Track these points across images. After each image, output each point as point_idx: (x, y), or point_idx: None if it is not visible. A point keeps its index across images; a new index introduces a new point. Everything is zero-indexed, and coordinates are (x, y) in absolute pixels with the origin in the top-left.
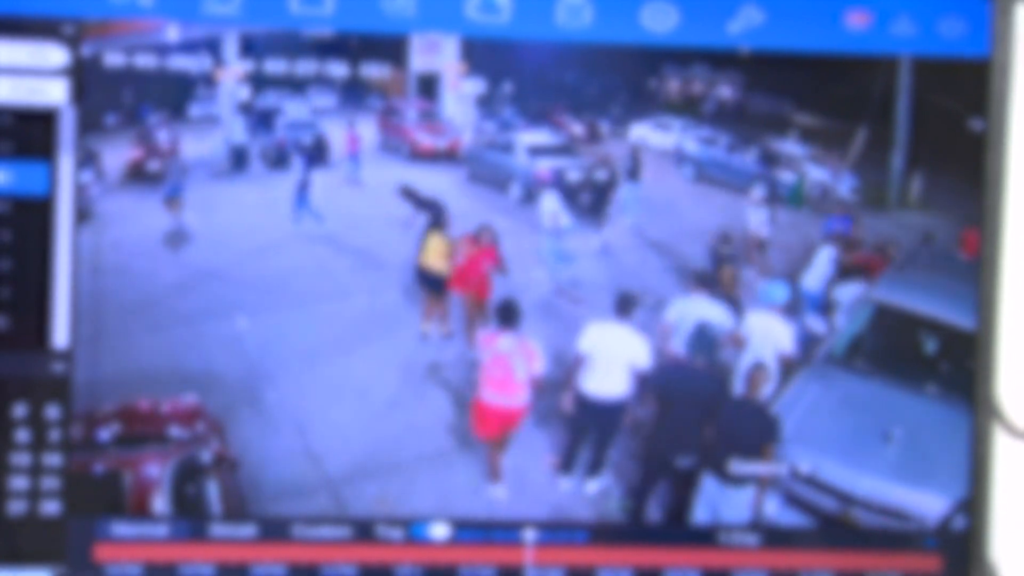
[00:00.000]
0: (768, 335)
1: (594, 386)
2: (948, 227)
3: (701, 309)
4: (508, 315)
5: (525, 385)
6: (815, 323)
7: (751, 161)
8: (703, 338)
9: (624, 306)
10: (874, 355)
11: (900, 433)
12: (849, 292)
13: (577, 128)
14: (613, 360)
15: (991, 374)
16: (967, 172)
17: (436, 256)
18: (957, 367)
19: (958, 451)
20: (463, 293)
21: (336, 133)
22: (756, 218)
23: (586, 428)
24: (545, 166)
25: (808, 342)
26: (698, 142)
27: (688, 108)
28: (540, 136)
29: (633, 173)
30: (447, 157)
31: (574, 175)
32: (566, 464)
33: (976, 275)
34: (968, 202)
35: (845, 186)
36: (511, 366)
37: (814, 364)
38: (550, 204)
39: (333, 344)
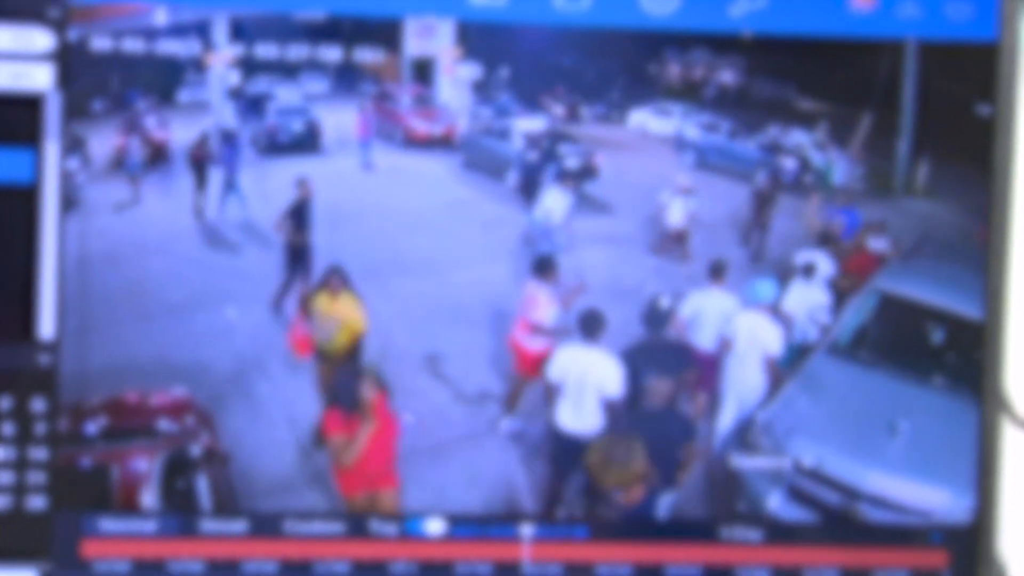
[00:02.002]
0: (755, 337)
1: (567, 419)
2: (955, 215)
3: (718, 303)
4: (538, 266)
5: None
6: (810, 329)
7: (753, 147)
8: (656, 314)
9: (589, 327)
10: (879, 346)
11: (906, 426)
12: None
13: (558, 109)
14: (584, 389)
15: (999, 365)
16: (974, 159)
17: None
18: (965, 358)
19: (965, 444)
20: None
21: (329, 119)
22: (676, 208)
23: (567, 468)
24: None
25: (800, 346)
26: (699, 128)
27: (689, 93)
28: (537, 122)
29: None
30: (442, 144)
31: (572, 162)
32: (548, 511)
33: (984, 264)
34: (976, 189)
35: (846, 173)
36: (526, 310)
37: (818, 355)
38: (553, 201)
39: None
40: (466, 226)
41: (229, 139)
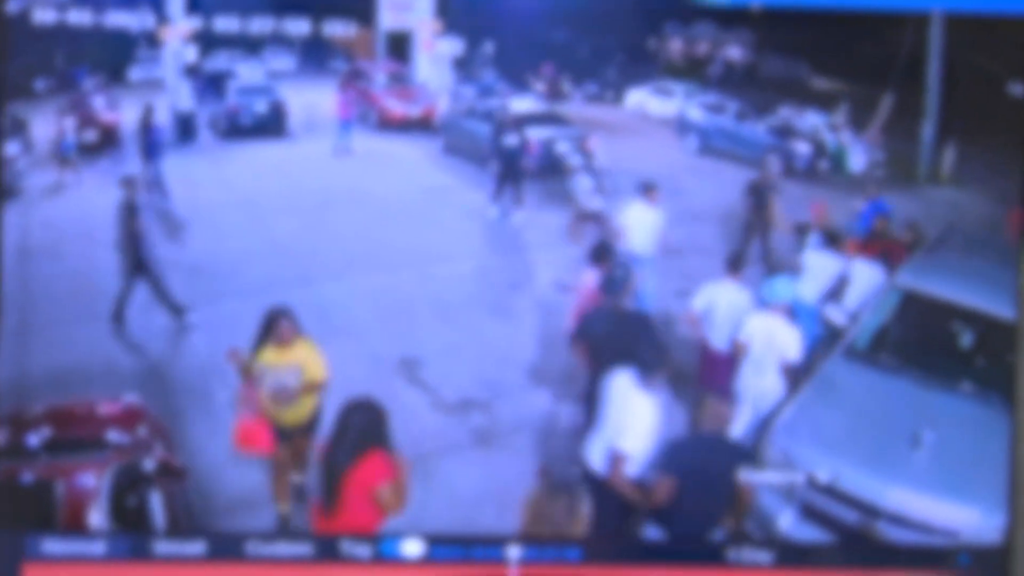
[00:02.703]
0: (771, 342)
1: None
2: (984, 204)
3: (730, 297)
4: (595, 253)
5: None
6: (834, 314)
7: (763, 131)
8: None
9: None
10: (901, 348)
11: (931, 437)
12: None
13: (539, 86)
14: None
15: None
16: (1008, 143)
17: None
18: (995, 362)
19: (996, 457)
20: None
21: (295, 99)
22: (583, 188)
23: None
24: (531, 136)
25: (819, 341)
26: (703, 109)
27: (692, 71)
28: (526, 103)
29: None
30: (420, 126)
31: (563, 147)
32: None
33: (1017, 259)
34: (1008, 176)
35: (864, 159)
36: (585, 301)
37: (833, 359)
38: (636, 218)
39: None
40: (446, 216)
41: (150, 123)
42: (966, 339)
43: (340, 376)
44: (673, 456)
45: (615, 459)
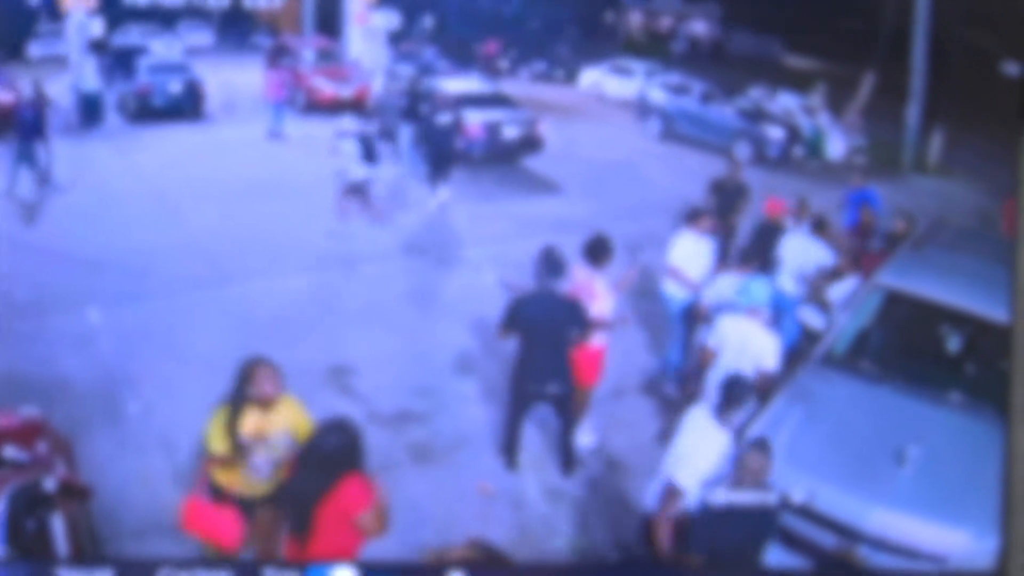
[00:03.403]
0: (746, 347)
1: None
2: (974, 195)
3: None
4: (593, 249)
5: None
6: (811, 316)
7: (731, 114)
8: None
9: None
10: (883, 355)
11: (917, 452)
12: (844, 290)
13: (494, 66)
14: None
15: None
16: (1001, 128)
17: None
18: (987, 369)
19: (989, 474)
20: None
21: (212, 78)
22: (347, 147)
23: None
24: (476, 120)
25: (799, 342)
26: (666, 91)
27: (653, 48)
28: (470, 83)
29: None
30: (352, 108)
31: (511, 131)
32: None
33: (1011, 255)
34: (1002, 165)
35: (843, 145)
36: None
37: (809, 366)
38: (684, 251)
39: (210, 342)
40: (381, 209)
41: (26, 101)
42: (955, 343)
43: None
44: (705, 528)
45: (668, 493)
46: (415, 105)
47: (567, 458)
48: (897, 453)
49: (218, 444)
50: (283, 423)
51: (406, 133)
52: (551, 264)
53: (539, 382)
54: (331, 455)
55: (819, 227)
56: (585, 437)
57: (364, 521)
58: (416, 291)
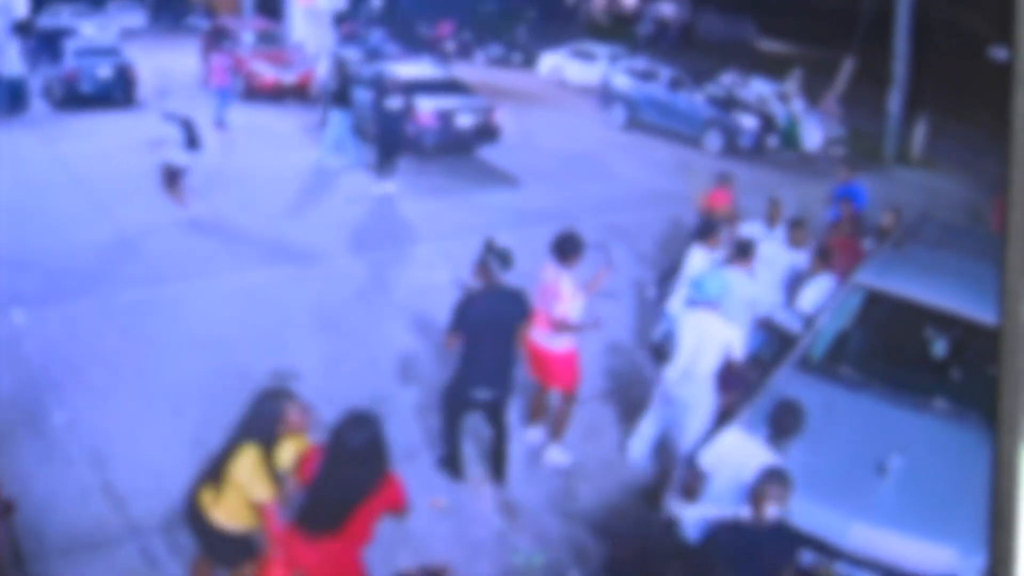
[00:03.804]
0: (704, 341)
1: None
2: (961, 189)
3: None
4: (561, 246)
5: (552, 326)
6: (789, 320)
7: (701, 101)
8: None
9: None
10: (863, 359)
11: (899, 463)
12: (817, 292)
13: (447, 50)
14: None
15: (1019, 383)
16: (989, 117)
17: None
18: (974, 374)
19: (976, 486)
20: None
21: (144, 62)
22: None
23: None
24: (427, 108)
25: (772, 345)
26: (631, 76)
27: (617, 32)
28: (421, 68)
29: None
30: (295, 95)
31: (466, 120)
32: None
33: (1000, 253)
34: (990, 157)
35: (820, 135)
36: (547, 302)
37: (784, 371)
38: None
39: (143, 346)
40: (326, 202)
41: None
42: (940, 347)
43: (198, 393)
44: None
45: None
46: (345, 90)
47: (499, 468)
48: (878, 464)
49: (266, 488)
50: (291, 445)
51: (336, 119)
52: (497, 258)
53: (483, 386)
54: (361, 451)
55: (796, 228)
56: (559, 455)
57: (404, 516)
58: (364, 291)
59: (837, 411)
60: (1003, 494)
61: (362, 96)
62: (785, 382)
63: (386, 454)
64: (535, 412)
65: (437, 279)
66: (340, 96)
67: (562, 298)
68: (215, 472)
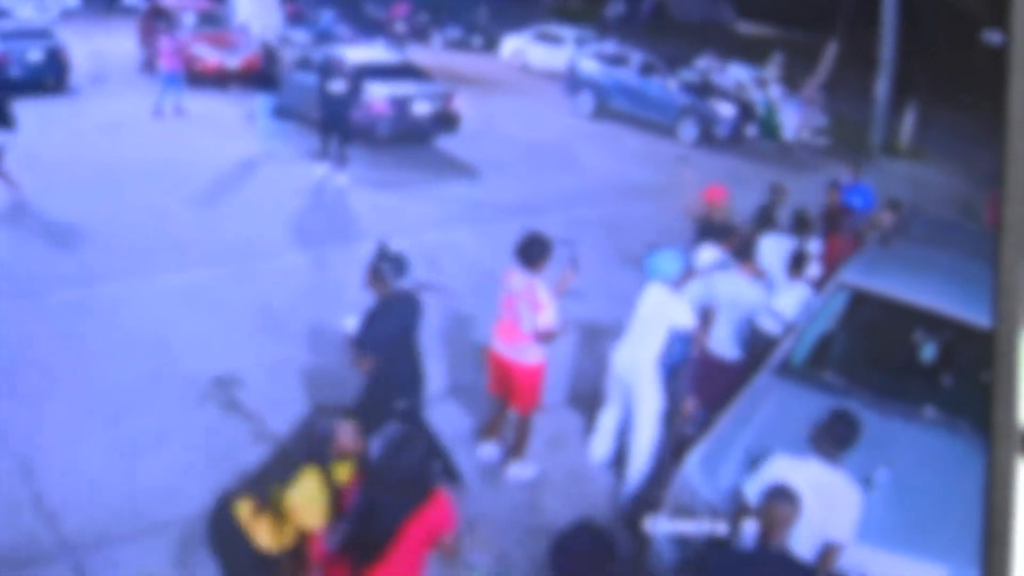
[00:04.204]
0: (654, 315)
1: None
2: (952, 182)
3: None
4: (528, 251)
5: (531, 338)
6: (768, 322)
7: (675, 88)
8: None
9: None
10: (847, 364)
11: (885, 476)
12: (792, 301)
13: (401, 32)
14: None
15: (1015, 389)
16: (982, 104)
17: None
18: (966, 380)
19: (967, 501)
20: None
21: (78, 45)
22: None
23: None
24: (381, 94)
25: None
26: (600, 61)
27: (585, 13)
28: (374, 51)
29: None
30: (239, 80)
31: (422, 107)
32: None
33: (994, 250)
34: (984, 147)
35: (802, 124)
36: (518, 312)
37: (763, 377)
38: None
39: (76, 349)
40: (273, 195)
41: None
42: (929, 351)
43: (133, 399)
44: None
45: (829, 552)
46: (271, 70)
47: (450, 468)
48: (863, 478)
49: (319, 515)
50: (342, 470)
51: (260, 103)
52: (391, 264)
53: (400, 398)
54: (410, 472)
55: (802, 225)
56: (522, 469)
57: (451, 542)
58: (312, 290)
59: (819, 420)
60: (998, 509)
61: (310, 81)
62: (763, 388)
63: (429, 473)
64: (492, 429)
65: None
66: (266, 78)
67: (542, 307)
68: (260, 488)
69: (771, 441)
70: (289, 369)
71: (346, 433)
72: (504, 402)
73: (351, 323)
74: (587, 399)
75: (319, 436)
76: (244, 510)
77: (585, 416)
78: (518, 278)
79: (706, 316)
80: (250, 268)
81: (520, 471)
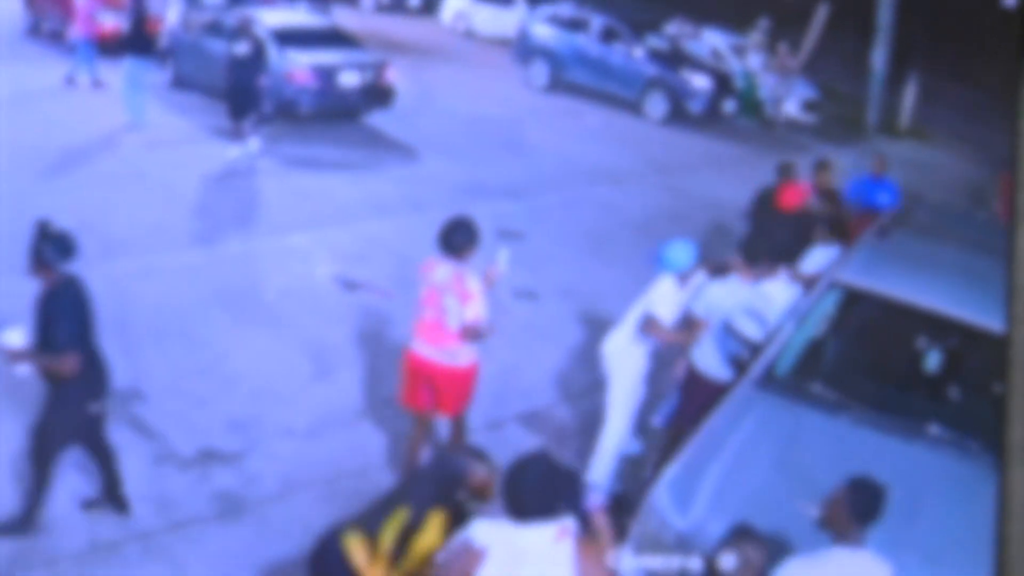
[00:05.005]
0: (648, 300)
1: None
2: (959, 165)
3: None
4: (451, 237)
5: (458, 336)
6: (747, 325)
7: (642, 57)
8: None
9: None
10: (840, 375)
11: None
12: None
13: None
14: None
15: None
16: (994, 76)
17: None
18: (976, 393)
19: (976, 529)
20: None
21: None
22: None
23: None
24: (303, 63)
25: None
26: (555, 27)
27: None
28: (295, 15)
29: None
30: (139, 45)
31: (351, 78)
32: None
33: (1008, 243)
34: (996, 127)
35: (789, 98)
36: (443, 307)
37: (743, 389)
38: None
39: None
40: (174, 179)
41: None
42: (934, 360)
43: (21, 413)
44: None
45: None
46: (139, 31)
47: (121, 496)
48: None
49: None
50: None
51: (127, 67)
52: (53, 245)
53: (96, 399)
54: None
55: (822, 169)
56: None
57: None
58: (223, 291)
59: (807, 439)
60: (1012, 538)
61: (219, 48)
62: (744, 402)
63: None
64: (415, 451)
65: (316, 275)
66: (134, 40)
67: (472, 298)
68: (376, 525)
69: (751, 464)
70: (195, 381)
71: (479, 474)
72: (424, 418)
73: (16, 337)
74: (542, 415)
75: (447, 476)
76: (358, 552)
77: (540, 433)
78: (442, 269)
79: (692, 326)
80: (149, 265)
81: None
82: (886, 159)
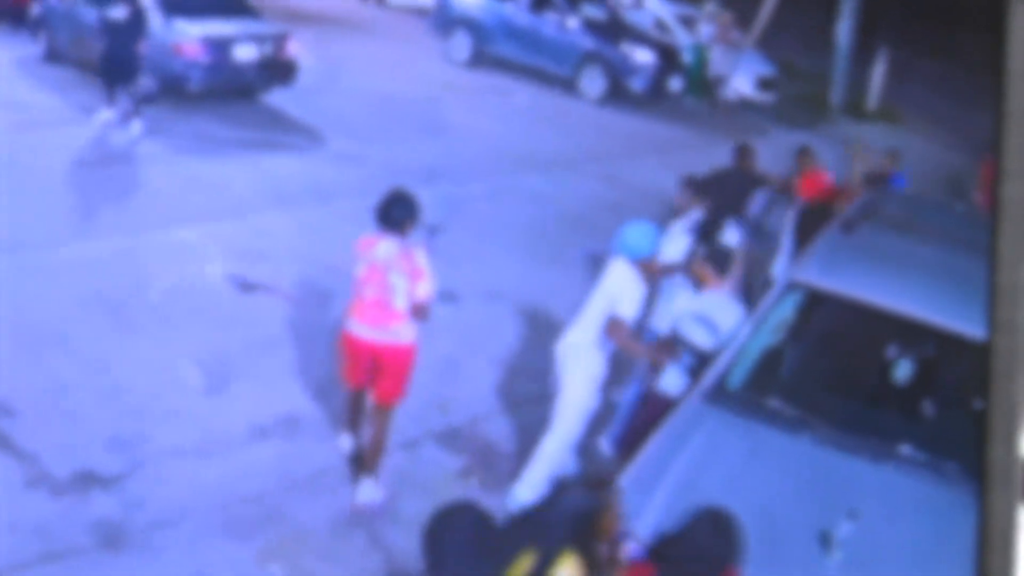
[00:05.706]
0: (602, 288)
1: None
2: (933, 150)
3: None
4: (391, 211)
5: (405, 315)
6: (697, 332)
7: (576, 27)
8: None
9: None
10: (800, 388)
11: (849, 531)
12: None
13: None
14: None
15: (1016, 419)
16: (973, 51)
17: None
18: (953, 408)
19: (953, 562)
20: None
21: None
22: None
23: None
24: (193, 35)
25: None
26: None
27: None
28: None
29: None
30: (9, 18)
31: (247, 52)
32: None
33: (989, 238)
34: (977, 109)
35: (743, 75)
36: (388, 285)
37: (690, 404)
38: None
39: None
40: (48, 164)
41: None
42: (905, 370)
43: None
44: None
45: None
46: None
47: None
48: (821, 534)
49: None
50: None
51: None
52: None
53: None
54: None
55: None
56: (370, 491)
57: None
58: (100, 293)
59: (763, 460)
60: (992, 572)
61: (97, 17)
62: (691, 419)
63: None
64: (355, 418)
65: (208, 275)
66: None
67: (422, 274)
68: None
69: (697, 489)
70: (69, 395)
71: (611, 515)
72: (359, 391)
73: None
74: (449, 434)
75: (574, 513)
76: None
77: (461, 457)
78: (384, 245)
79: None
80: (11, 262)
81: (368, 493)
82: (898, 153)
